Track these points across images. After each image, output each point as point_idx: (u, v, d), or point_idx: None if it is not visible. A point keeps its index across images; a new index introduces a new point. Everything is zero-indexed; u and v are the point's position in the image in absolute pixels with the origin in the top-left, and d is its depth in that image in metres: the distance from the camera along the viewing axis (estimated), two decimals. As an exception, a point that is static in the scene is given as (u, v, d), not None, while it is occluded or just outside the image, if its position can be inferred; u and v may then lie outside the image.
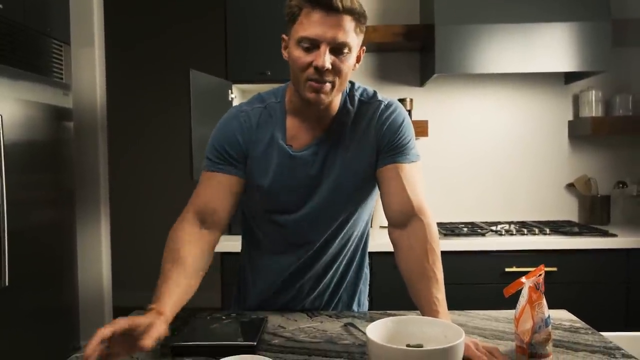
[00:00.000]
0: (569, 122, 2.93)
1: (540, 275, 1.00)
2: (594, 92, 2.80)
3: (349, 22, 1.10)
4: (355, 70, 1.21)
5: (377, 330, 0.90)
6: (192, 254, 1.15)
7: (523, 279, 0.99)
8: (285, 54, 1.20)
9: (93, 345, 0.88)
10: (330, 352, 1.04)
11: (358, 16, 1.12)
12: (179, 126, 4.40)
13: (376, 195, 1.34)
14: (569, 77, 2.87)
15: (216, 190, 1.23)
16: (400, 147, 1.23)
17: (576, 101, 2.91)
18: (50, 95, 2.65)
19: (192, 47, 4.47)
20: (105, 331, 0.91)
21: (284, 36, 1.19)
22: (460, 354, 0.83)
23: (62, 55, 2.99)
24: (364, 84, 3.00)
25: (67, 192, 2.83)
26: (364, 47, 1.21)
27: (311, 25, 1.09)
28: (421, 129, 2.76)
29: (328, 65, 1.10)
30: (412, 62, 2.95)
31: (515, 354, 1.00)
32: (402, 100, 2.82)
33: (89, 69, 3.26)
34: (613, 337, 1.10)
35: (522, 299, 0.99)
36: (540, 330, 0.96)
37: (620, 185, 2.86)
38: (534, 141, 2.93)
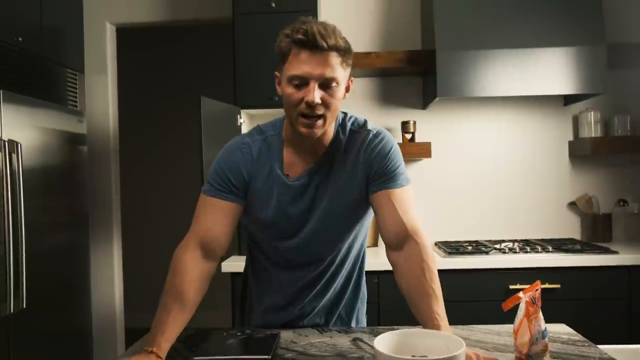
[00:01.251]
0: (569, 142, 3.00)
1: (536, 290, 1.07)
2: (593, 113, 2.87)
3: (334, 58, 1.18)
4: (346, 99, 1.28)
5: (384, 342, 0.96)
6: (192, 291, 1.22)
7: (520, 294, 1.06)
8: (279, 89, 1.28)
9: None
10: (340, 365, 1.11)
11: (343, 52, 1.20)
12: (189, 150, 4.50)
13: (371, 217, 1.41)
14: (568, 99, 2.94)
15: (218, 216, 1.29)
16: (389, 173, 1.31)
17: (576, 122, 2.99)
18: (65, 122, 2.75)
19: (201, 73, 4.60)
20: None
21: (276, 73, 1.28)
22: (462, 363, 0.90)
23: (77, 84, 3.11)
24: (369, 107, 3.12)
25: (81, 216, 2.92)
26: (352, 78, 1.29)
27: (300, 64, 1.17)
28: (424, 150, 2.83)
29: (318, 100, 1.17)
30: (414, 86, 3.05)
31: (515, 365, 1.06)
32: (405, 123, 2.90)
33: (102, 96, 3.38)
34: (608, 349, 1.16)
35: (520, 313, 1.06)
36: (537, 342, 1.03)
37: (621, 203, 2.92)
38: (536, 161, 3.00)
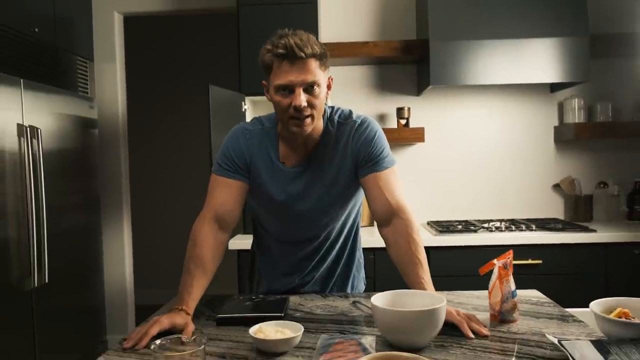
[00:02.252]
0: (555, 127, 3.17)
1: (508, 258, 1.25)
2: (577, 100, 3.05)
3: (313, 64, 1.34)
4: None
5: (380, 300, 1.15)
6: (211, 257, 1.41)
7: (495, 261, 1.25)
8: (267, 96, 1.44)
9: (143, 340, 1.16)
10: (342, 322, 1.30)
11: (320, 57, 1.36)
12: (194, 133, 4.67)
13: (362, 196, 1.58)
14: (554, 87, 3.11)
15: (227, 193, 1.47)
16: (375, 157, 1.47)
17: (561, 108, 3.16)
18: (78, 107, 2.91)
19: (206, 61, 4.75)
20: (153, 330, 1.18)
21: (264, 82, 1.44)
22: (443, 315, 1.09)
23: (87, 71, 3.26)
24: (366, 94, 3.28)
25: (93, 197, 3.09)
26: (332, 77, 1.45)
27: (283, 74, 1.33)
28: (418, 135, 3.01)
29: (304, 103, 1.34)
30: (409, 74, 3.21)
31: (489, 321, 1.26)
32: (400, 109, 3.07)
33: (111, 82, 3.52)
34: (570, 310, 1.35)
35: (494, 276, 1.25)
36: (507, 300, 1.22)
37: (602, 186, 3.11)
38: (523, 145, 3.18)
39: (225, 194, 1.47)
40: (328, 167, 1.48)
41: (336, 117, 1.51)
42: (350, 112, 1.53)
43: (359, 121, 1.50)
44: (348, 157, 1.48)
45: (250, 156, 1.48)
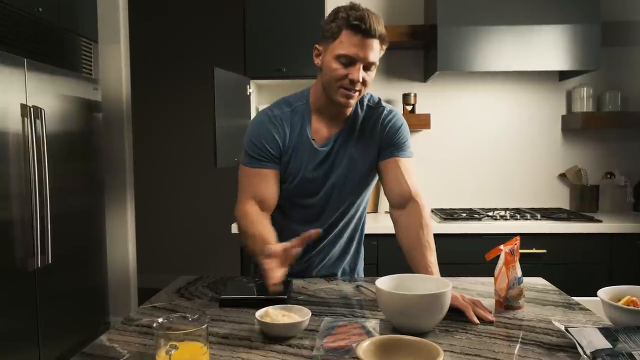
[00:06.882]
0: (562, 116, 3.14)
1: (515, 244, 1.24)
2: (585, 88, 3.01)
3: (377, 45, 1.36)
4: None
5: (384, 283, 1.14)
6: (266, 224, 1.43)
7: (501, 247, 1.23)
8: (317, 61, 1.44)
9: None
10: (345, 305, 1.29)
11: (384, 40, 1.38)
12: (198, 117, 4.65)
13: (372, 187, 1.59)
14: (563, 75, 3.07)
15: (263, 183, 1.47)
16: (398, 144, 1.50)
17: (569, 97, 3.12)
18: (82, 89, 2.89)
19: (211, 44, 4.70)
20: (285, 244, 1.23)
21: (317, 46, 1.43)
22: (448, 299, 1.07)
23: (91, 53, 3.23)
24: (373, 79, 3.21)
25: (97, 179, 3.08)
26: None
27: (351, 46, 1.34)
28: (424, 121, 2.98)
29: (360, 79, 1.36)
30: (416, 60, 3.17)
31: (495, 307, 1.24)
32: (406, 95, 3.04)
33: (115, 64, 3.49)
34: (576, 299, 1.34)
35: (500, 262, 1.24)
36: (513, 287, 1.21)
37: (609, 176, 3.08)
38: (530, 134, 3.15)
39: (259, 184, 1.47)
40: (355, 145, 1.50)
41: (366, 100, 1.54)
42: (379, 99, 1.56)
43: (388, 109, 1.54)
44: (374, 140, 1.50)
45: (283, 142, 1.48)
